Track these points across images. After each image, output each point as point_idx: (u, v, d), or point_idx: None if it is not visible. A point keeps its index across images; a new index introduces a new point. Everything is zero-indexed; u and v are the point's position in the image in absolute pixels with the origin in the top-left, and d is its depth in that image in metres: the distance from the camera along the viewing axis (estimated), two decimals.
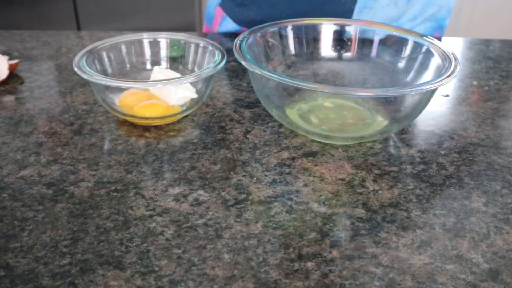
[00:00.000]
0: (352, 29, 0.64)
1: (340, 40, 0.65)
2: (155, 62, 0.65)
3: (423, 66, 0.57)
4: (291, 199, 0.46)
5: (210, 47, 0.61)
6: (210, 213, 0.44)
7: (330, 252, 0.40)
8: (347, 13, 0.79)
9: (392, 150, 0.54)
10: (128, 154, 0.52)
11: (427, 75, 0.56)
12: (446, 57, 0.54)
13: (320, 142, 0.54)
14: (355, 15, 0.79)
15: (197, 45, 0.63)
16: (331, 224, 0.43)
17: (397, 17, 0.81)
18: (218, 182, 0.48)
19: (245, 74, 0.70)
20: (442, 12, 0.84)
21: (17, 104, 0.61)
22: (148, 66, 0.65)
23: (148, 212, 0.44)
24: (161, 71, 0.59)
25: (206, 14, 0.94)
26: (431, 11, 0.83)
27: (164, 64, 0.65)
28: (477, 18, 1.99)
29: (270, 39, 0.62)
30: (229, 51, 0.60)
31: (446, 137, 0.56)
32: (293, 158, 0.52)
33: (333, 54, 0.65)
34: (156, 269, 0.38)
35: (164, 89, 0.57)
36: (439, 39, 0.86)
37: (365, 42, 0.64)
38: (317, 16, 0.79)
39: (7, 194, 0.46)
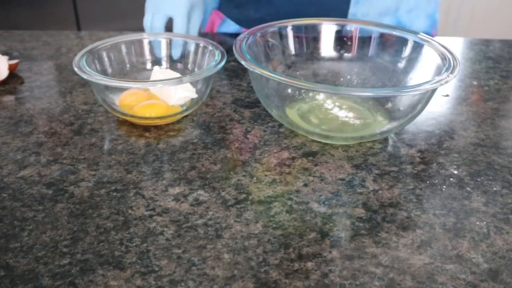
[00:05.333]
0: (352, 29, 0.64)
1: (340, 40, 0.65)
2: (155, 62, 0.65)
3: (423, 66, 0.57)
4: (291, 199, 0.46)
5: (210, 47, 0.61)
6: (210, 213, 0.44)
7: (330, 252, 0.40)
8: (344, 5, 0.79)
9: (392, 150, 0.54)
10: (128, 154, 0.52)
11: (427, 75, 0.56)
12: (446, 57, 0.54)
13: (320, 142, 0.54)
14: (352, 6, 0.79)
15: (197, 45, 0.63)
16: (331, 224, 0.43)
17: (394, 7, 0.81)
18: (218, 182, 0.48)
19: (245, 74, 0.70)
20: (431, 5, 0.84)
21: (17, 104, 0.61)
22: (148, 66, 0.65)
23: (148, 212, 0.44)
24: (161, 71, 0.59)
25: (205, 18, 0.94)
26: (423, 4, 0.83)
27: (164, 64, 0.65)
28: (477, 18, 1.99)
29: (270, 39, 0.62)
30: (229, 51, 0.60)
31: (446, 137, 0.56)
32: (293, 158, 0.52)
33: (333, 54, 0.65)
34: (156, 269, 0.38)
35: (164, 89, 0.57)
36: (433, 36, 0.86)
37: (365, 42, 0.64)
38: (315, 10, 0.79)
39: (7, 194, 0.46)
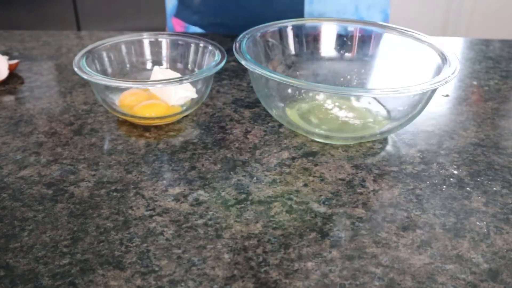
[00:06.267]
0: (352, 29, 0.64)
1: (340, 40, 0.65)
2: (155, 62, 0.65)
3: (423, 66, 0.57)
4: (291, 199, 0.46)
5: (210, 47, 0.61)
6: (210, 213, 0.44)
7: (330, 252, 0.40)
8: (299, 5, 0.79)
9: (392, 150, 0.54)
10: (128, 154, 0.52)
11: (427, 75, 0.56)
12: (445, 57, 0.54)
13: (320, 142, 0.54)
14: (306, 5, 0.79)
15: (197, 45, 0.63)
16: (331, 224, 0.43)
17: (353, 5, 0.81)
18: (218, 182, 0.48)
19: (245, 74, 0.70)
20: (385, 0, 0.85)
21: (17, 104, 0.61)
22: (148, 66, 0.65)
23: (148, 212, 0.44)
24: (161, 71, 0.59)
25: (168, 25, 0.93)
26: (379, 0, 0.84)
27: (164, 64, 0.65)
28: (477, 18, 1.99)
29: (270, 39, 0.62)
30: (229, 51, 0.60)
31: (446, 137, 0.56)
32: (293, 158, 0.52)
33: (333, 54, 0.65)
34: (156, 269, 0.38)
35: (164, 89, 0.57)
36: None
37: (365, 42, 0.64)
38: (270, 12, 0.79)
39: (7, 194, 0.46)
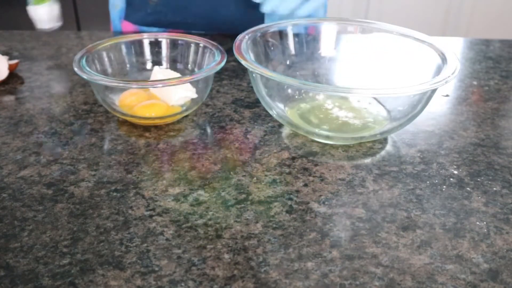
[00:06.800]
0: (352, 29, 0.64)
1: (340, 40, 0.65)
2: (155, 62, 0.65)
3: (423, 66, 0.57)
4: (291, 199, 0.46)
5: (210, 47, 0.61)
6: (210, 213, 0.44)
7: (330, 252, 0.40)
8: (254, 2, 0.79)
9: (392, 150, 0.54)
10: (128, 154, 0.52)
11: (427, 75, 0.56)
12: (445, 57, 0.54)
13: (320, 142, 0.54)
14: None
15: (197, 45, 0.63)
16: (331, 224, 0.43)
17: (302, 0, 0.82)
18: (218, 182, 0.48)
19: (245, 74, 0.70)
20: None
21: (17, 104, 0.61)
22: (148, 66, 0.65)
23: (148, 212, 0.44)
24: (161, 71, 0.59)
25: (114, 30, 0.91)
26: None
27: (164, 64, 0.65)
28: (477, 18, 1.99)
29: (270, 39, 0.62)
30: (229, 51, 0.60)
31: (446, 137, 0.56)
32: (293, 158, 0.52)
33: (333, 54, 0.65)
34: (156, 269, 0.38)
35: (164, 89, 0.57)
36: None
37: (365, 42, 0.64)
38: (226, 9, 0.79)
39: (7, 194, 0.46)
